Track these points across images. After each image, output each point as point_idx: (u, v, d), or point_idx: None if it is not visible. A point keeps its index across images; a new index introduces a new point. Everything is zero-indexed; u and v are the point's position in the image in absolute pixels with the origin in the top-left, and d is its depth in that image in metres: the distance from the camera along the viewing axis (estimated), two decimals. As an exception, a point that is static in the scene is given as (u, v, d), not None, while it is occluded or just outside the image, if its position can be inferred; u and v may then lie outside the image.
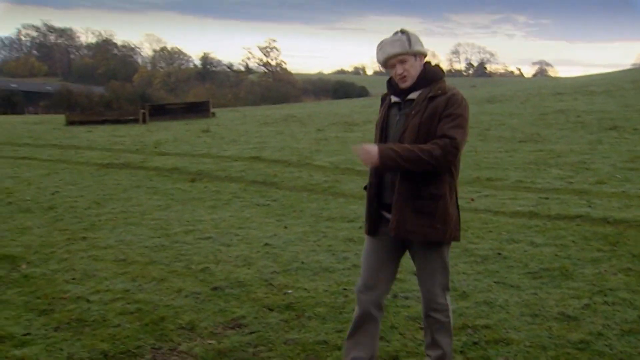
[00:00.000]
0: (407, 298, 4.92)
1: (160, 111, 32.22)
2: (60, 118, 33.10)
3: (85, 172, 13.62)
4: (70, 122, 30.30)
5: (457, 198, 3.29)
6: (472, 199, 8.83)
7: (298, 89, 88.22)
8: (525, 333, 4.14)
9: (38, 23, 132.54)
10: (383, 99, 3.43)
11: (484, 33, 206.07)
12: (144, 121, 29.55)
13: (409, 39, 3.16)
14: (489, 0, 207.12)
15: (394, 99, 3.31)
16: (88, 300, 5.04)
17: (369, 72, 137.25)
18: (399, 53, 3.16)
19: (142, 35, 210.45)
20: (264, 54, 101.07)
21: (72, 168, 14.35)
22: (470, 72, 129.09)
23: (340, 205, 8.89)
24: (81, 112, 37.04)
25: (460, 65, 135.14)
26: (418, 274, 3.41)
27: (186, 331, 4.40)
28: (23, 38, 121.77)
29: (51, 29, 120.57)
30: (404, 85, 3.22)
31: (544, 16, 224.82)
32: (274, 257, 6.26)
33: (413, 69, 3.19)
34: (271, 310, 4.77)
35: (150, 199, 10.03)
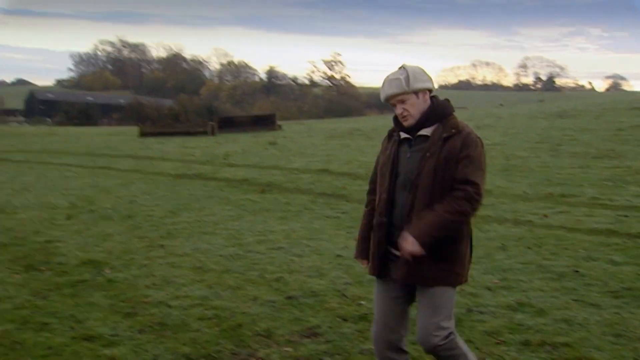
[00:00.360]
0: (482, 313, 4.88)
1: (228, 124, 32.89)
2: (134, 130, 34.33)
3: (160, 182, 14.10)
4: (143, 134, 31.38)
5: (471, 238, 3.17)
6: (546, 215, 8.65)
7: (361, 103, 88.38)
8: (609, 353, 4.04)
9: (113, 39, 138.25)
10: (390, 134, 3.30)
11: (553, 46, 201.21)
12: (213, 133, 30.26)
13: (407, 78, 3.06)
14: (560, 13, 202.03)
15: (403, 135, 3.19)
16: (168, 305, 5.23)
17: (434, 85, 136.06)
18: (397, 93, 3.08)
19: (210, 49, 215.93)
20: (329, 68, 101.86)
21: (147, 178, 14.88)
22: (539, 86, 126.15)
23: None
24: (152, 124, 38.24)
25: (528, 79, 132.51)
26: (420, 308, 3.14)
27: (263, 338, 4.51)
28: (99, 53, 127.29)
29: (125, 44, 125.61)
30: (406, 124, 3.13)
31: (619, 29, 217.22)
32: (345, 269, 6.32)
33: (414, 108, 3.09)
34: (345, 320, 4.83)
35: (222, 209, 10.29)
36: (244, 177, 14.15)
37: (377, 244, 3.23)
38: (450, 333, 3.08)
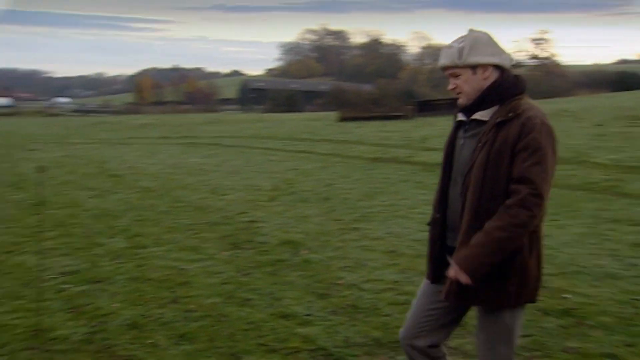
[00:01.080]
0: None
1: (426, 107, 32.61)
2: (334, 115, 35.50)
3: (356, 165, 14.38)
4: (343, 119, 32.31)
5: (540, 249, 2.58)
6: None
7: (570, 82, 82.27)
8: None
9: (316, 27, 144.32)
10: (456, 115, 2.79)
11: None
12: (411, 117, 30.20)
13: (462, 48, 2.52)
14: None
15: (460, 116, 2.71)
16: (361, 288, 5.25)
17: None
18: (447, 66, 2.59)
19: (409, 33, 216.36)
20: (535, 46, 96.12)
21: (344, 162, 15.27)
22: None
23: (624, 207, 8.03)
24: (352, 109, 39.20)
25: None
26: (477, 335, 2.73)
27: (456, 328, 4.33)
28: (304, 42, 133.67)
29: (327, 32, 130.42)
30: (459, 102, 2.63)
31: None
32: (548, 259, 5.81)
33: (467, 84, 2.56)
34: (547, 314, 4.49)
35: (417, 193, 10.18)
36: (440, 161, 13.87)
37: (430, 244, 2.81)
38: None
